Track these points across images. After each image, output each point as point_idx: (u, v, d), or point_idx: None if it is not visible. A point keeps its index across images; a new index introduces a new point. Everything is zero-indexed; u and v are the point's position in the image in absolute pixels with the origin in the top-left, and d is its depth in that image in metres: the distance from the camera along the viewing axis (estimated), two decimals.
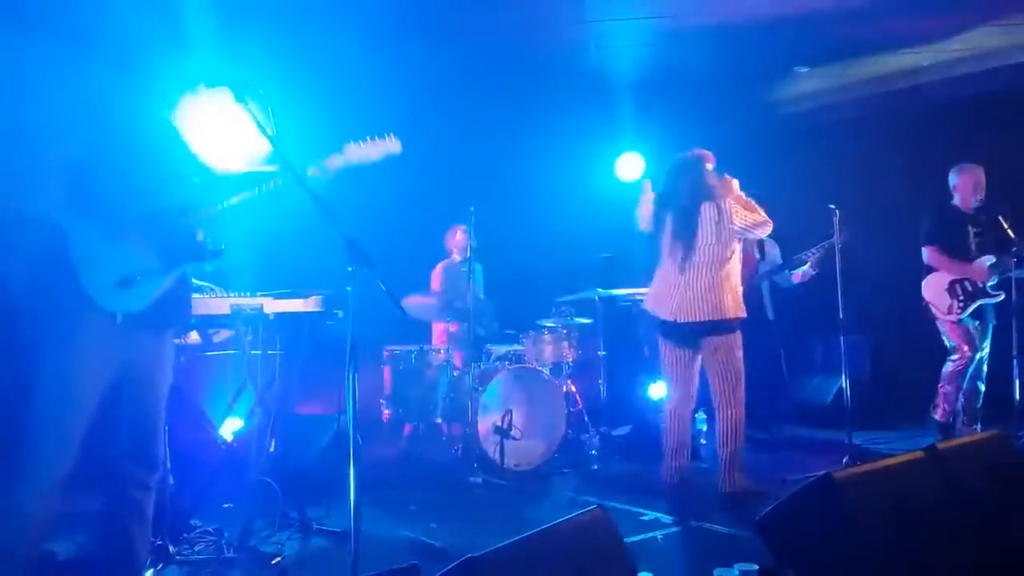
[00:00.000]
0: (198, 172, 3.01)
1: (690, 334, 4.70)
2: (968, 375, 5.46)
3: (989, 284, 5.37)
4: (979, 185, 5.48)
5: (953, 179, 5.57)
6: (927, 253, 5.54)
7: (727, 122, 7.72)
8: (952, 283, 5.45)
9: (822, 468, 4.50)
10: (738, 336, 4.70)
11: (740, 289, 4.78)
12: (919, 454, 3.27)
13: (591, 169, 7.95)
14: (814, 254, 5.35)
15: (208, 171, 3.08)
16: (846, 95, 7.24)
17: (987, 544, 2.99)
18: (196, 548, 3.72)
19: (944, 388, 5.53)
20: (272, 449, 4.19)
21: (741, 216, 4.66)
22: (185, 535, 3.77)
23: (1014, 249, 5.19)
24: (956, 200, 5.56)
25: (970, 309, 5.39)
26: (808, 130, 7.61)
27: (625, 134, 7.72)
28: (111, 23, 2.82)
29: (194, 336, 3.93)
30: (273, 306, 3.91)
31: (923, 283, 5.54)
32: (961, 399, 5.47)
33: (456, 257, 6.45)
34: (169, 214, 2.83)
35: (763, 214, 4.73)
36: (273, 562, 3.65)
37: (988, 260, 5.40)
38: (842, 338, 5.06)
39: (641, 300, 5.33)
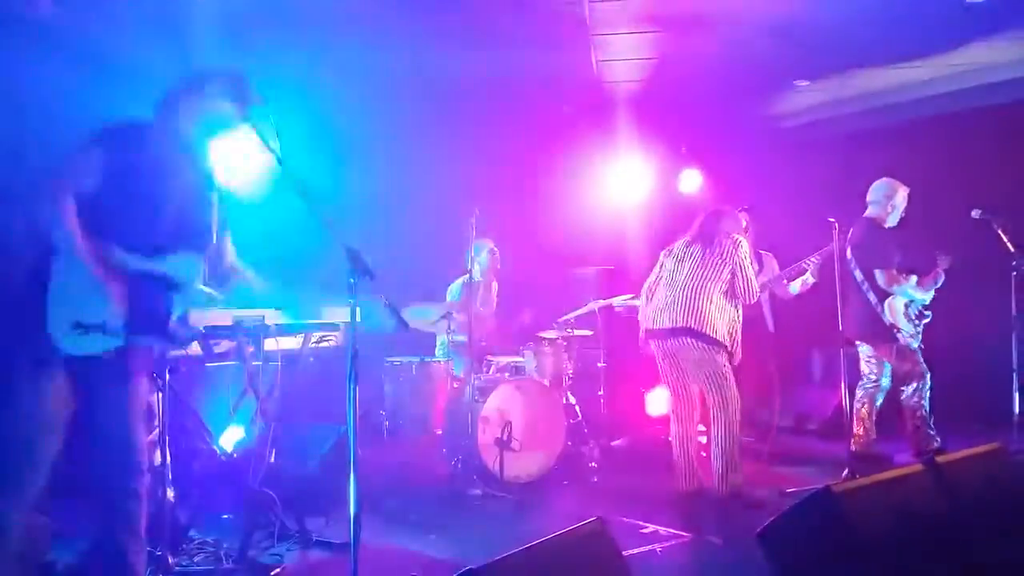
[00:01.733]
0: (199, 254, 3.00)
1: (671, 337, 4.84)
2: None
3: (928, 300, 5.43)
4: (904, 200, 5.46)
5: (885, 191, 5.48)
6: (886, 277, 5.36)
7: (727, 135, 7.75)
8: (907, 305, 5.41)
9: (822, 480, 4.54)
10: (720, 348, 4.76)
11: (733, 326, 4.87)
12: (919, 467, 3.28)
13: (593, 179, 7.97)
14: (814, 262, 5.36)
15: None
16: (846, 108, 7.27)
17: (987, 557, 2.99)
18: (195, 559, 3.72)
19: (867, 422, 5.44)
20: (272, 460, 4.18)
21: (745, 259, 4.82)
22: (184, 546, 3.77)
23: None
24: (875, 213, 5.48)
25: (919, 330, 5.41)
26: (808, 143, 7.64)
27: (626, 144, 7.73)
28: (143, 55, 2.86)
29: (195, 347, 3.93)
30: (275, 317, 3.91)
31: (886, 305, 5.38)
32: (866, 419, 5.44)
33: (478, 276, 6.36)
34: (154, 285, 2.82)
35: (758, 284, 4.98)
36: (272, 573, 3.64)
37: (913, 278, 5.42)
38: (841, 350, 5.06)
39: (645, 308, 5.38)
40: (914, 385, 5.44)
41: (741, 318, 4.96)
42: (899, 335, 5.36)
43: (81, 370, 2.74)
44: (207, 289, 3.00)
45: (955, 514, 3.11)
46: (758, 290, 4.91)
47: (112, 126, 2.82)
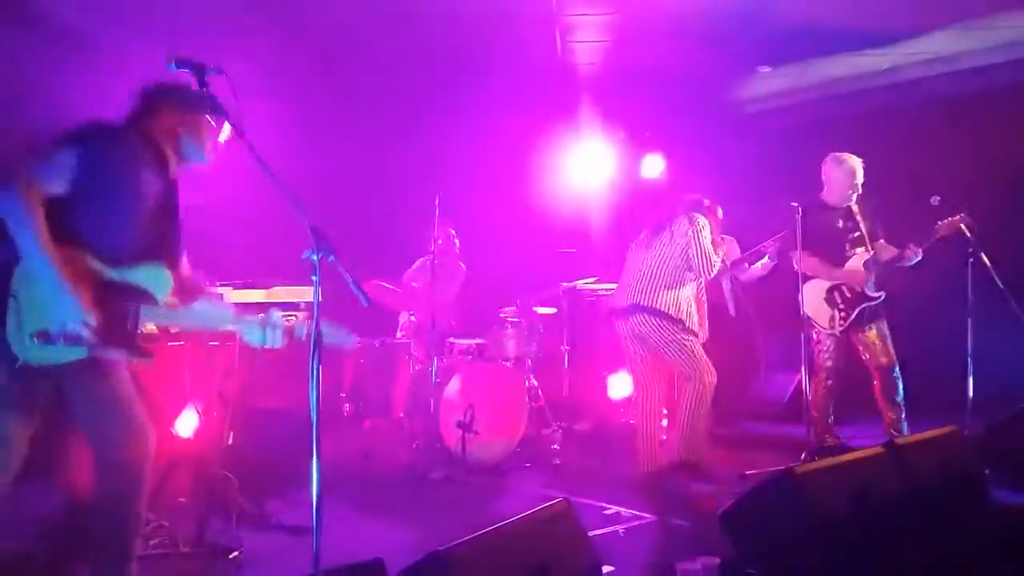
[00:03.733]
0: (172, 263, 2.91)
1: (625, 316, 4.90)
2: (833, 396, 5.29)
3: (868, 285, 5.14)
4: (854, 176, 5.17)
5: (826, 170, 5.27)
6: (798, 260, 5.13)
7: (690, 119, 7.77)
8: (830, 290, 5.21)
9: (782, 463, 4.59)
10: (677, 325, 4.79)
11: (691, 303, 4.88)
12: (878, 449, 3.33)
13: (555, 162, 7.95)
14: (772, 244, 5.34)
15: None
16: (807, 95, 7.32)
17: (943, 534, 3.05)
18: (151, 542, 3.64)
19: (820, 410, 5.28)
20: (230, 442, 4.12)
21: (702, 232, 4.82)
22: (140, 528, 3.69)
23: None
24: (825, 193, 5.27)
25: (852, 317, 5.16)
26: (770, 129, 7.69)
27: (589, 128, 7.72)
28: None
29: (151, 326, 3.84)
30: (233, 296, 3.85)
31: (800, 295, 5.17)
32: (891, 415, 5.19)
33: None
34: (126, 293, 2.71)
35: (717, 258, 4.87)
36: (230, 557, 3.58)
37: (861, 257, 5.18)
38: (802, 334, 5.11)
39: (604, 294, 5.40)
40: (819, 376, 5.30)
41: (704, 296, 4.97)
42: (814, 323, 5.23)
43: (48, 379, 2.63)
44: (170, 300, 2.88)
45: (912, 494, 3.17)
46: (716, 264, 4.88)
47: (89, 125, 2.68)
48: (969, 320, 5.00)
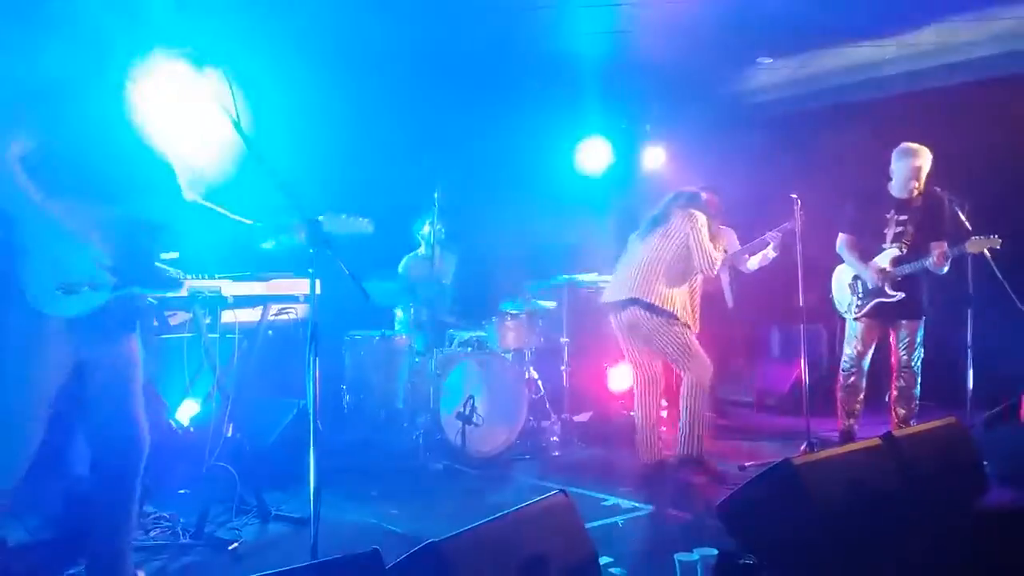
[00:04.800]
0: (172, 189, 2.89)
1: (621, 309, 4.90)
2: (861, 383, 5.26)
3: (884, 282, 5.06)
4: (916, 170, 5.05)
5: (892, 161, 5.19)
6: (837, 241, 5.28)
7: (691, 111, 7.75)
8: (855, 278, 5.24)
9: (780, 455, 4.59)
10: (672, 319, 4.77)
11: (689, 298, 4.88)
12: (876, 441, 3.33)
13: (556, 155, 7.93)
14: (775, 236, 5.32)
15: (178, 189, 2.94)
16: (808, 87, 7.31)
17: (941, 526, 3.06)
18: (151, 533, 3.66)
19: (840, 401, 5.31)
20: (230, 434, 4.12)
21: (702, 230, 4.81)
22: (140, 520, 3.70)
23: (974, 237, 4.81)
24: (890, 184, 5.21)
25: (867, 308, 5.15)
26: (771, 120, 7.67)
27: (590, 121, 7.71)
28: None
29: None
30: (232, 289, 3.84)
31: (833, 275, 5.35)
32: (900, 410, 5.20)
33: (423, 249, 6.31)
34: (135, 228, 2.72)
35: (718, 253, 4.87)
36: (230, 548, 3.60)
37: (891, 253, 5.08)
38: (802, 326, 5.10)
39: (604, 286, 5.40)
40: (841, 368, 5.34)
41: (698, 291, 4.97)
42: (837, 307, 5.33)
43: (73, 334, 2.62)
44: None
45: (911, 486, 3.17)
46: (718, 260, 4.87)
47: (49, 81, 2.65)
48: (969, 312, 4.99)
